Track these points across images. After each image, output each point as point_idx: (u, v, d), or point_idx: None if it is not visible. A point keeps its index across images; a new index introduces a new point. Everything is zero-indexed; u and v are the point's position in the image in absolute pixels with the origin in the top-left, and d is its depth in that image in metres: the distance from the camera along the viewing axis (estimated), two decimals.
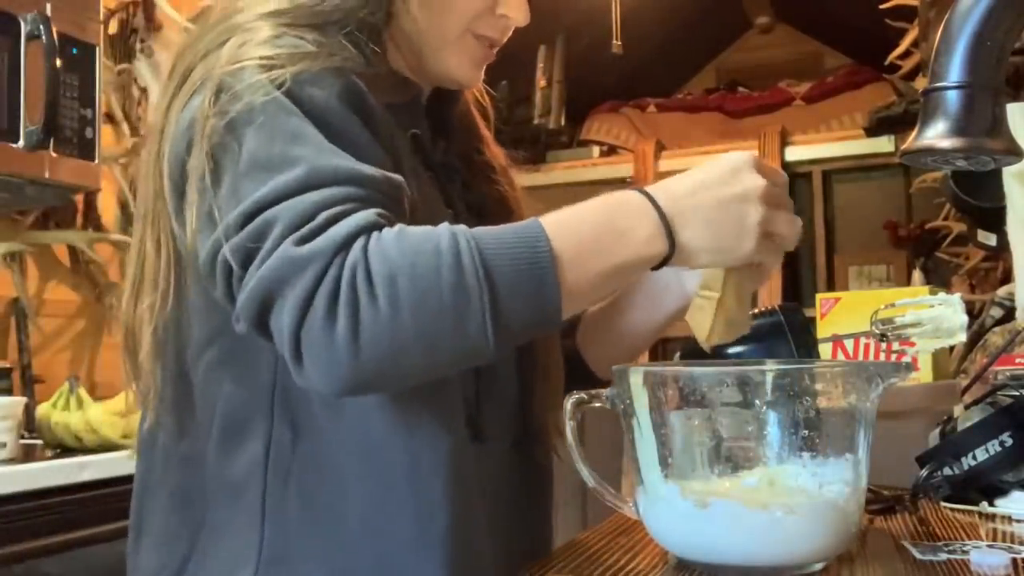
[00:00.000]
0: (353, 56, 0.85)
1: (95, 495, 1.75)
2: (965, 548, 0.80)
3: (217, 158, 0.78)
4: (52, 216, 2.44)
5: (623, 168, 3.94)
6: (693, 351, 1.01)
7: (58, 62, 2.02)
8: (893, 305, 1.16)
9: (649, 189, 0.80)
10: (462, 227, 0.75)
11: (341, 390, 0.74)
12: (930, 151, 0.85)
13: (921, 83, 3.10)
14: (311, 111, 0.79)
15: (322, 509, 0.84)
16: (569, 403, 0.82)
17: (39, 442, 1.99)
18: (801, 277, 3.83)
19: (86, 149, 2.13)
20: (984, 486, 0.98)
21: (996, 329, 1.92)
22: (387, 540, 0.83)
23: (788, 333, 1.00)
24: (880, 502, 0.98)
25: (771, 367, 0.82)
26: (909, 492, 0.99)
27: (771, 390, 0.73)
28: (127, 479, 1.79)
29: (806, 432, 0.73)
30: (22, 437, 1.87)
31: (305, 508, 0.84)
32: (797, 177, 3.81)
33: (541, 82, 4.03)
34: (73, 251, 2.51)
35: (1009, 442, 0.95)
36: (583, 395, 0.83)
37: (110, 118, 2.53)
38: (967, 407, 1.09)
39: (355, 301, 0.71)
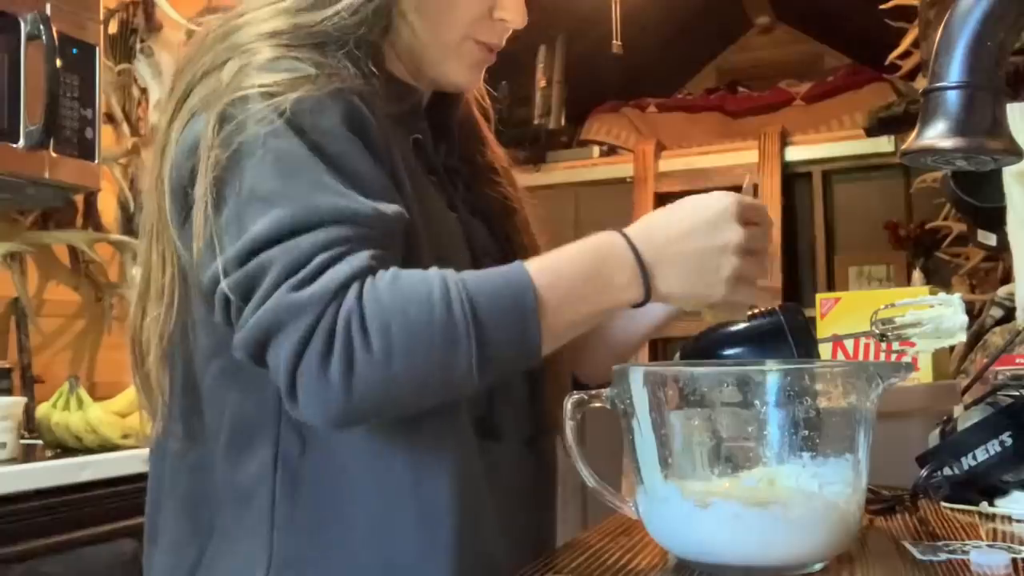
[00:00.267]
0: (352, 76, 0.86)
1: (95, 495, 1.75)
2: (965, 548, 0.80)
3: (219, 188, 0.80)
4: (52, 216, 2.44)
5: (623, 168, 3.93)
6: (693, 351, 1.02)
7: (58, 62, 2.02)
8: (893, 305, 1.16)
9: (632, 234, 0.84)
10: (451, 274, 0.78)
11: (332, 426, 0.79)
12: (930, 151, 0.85)
13: (921, 83, 3.10)
14: (312, 141, 0.81)
15: (330, 515, 0.85)
16: (569, 403, 0.82)
17: (39, 442, 1.99)
18: (801, 277, 3.82)
19: (86, 149, 2.13)
20: (984, 486, 0.98)
21: (996, 329, 1.92)
22: (394, 545, 0.84)
23: (788, 333, 0.99)
24: (880, 502, 0.98)
25: (771, 367, 0.82)
26: (909, 492, 0.99)
27: (771, 390, 0.73)
28: (127, 479, 1.81)
29: (806, 432, 0.73)
30: (22, 437, 1.87)
31: (313, 514, 0.85)
32: (797, 177, 3.81)
33: (541, 82, 4.02)
34: (73, 251, 2.51)
35: (1009, 442, 0.95)
36: (583, 395, 0.83)
37: (110, 118, 2.53)
38: (967, 407, 1.09)
39: (350, 348, 0.74)
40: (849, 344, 1.27)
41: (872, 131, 3.52)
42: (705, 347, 1.02)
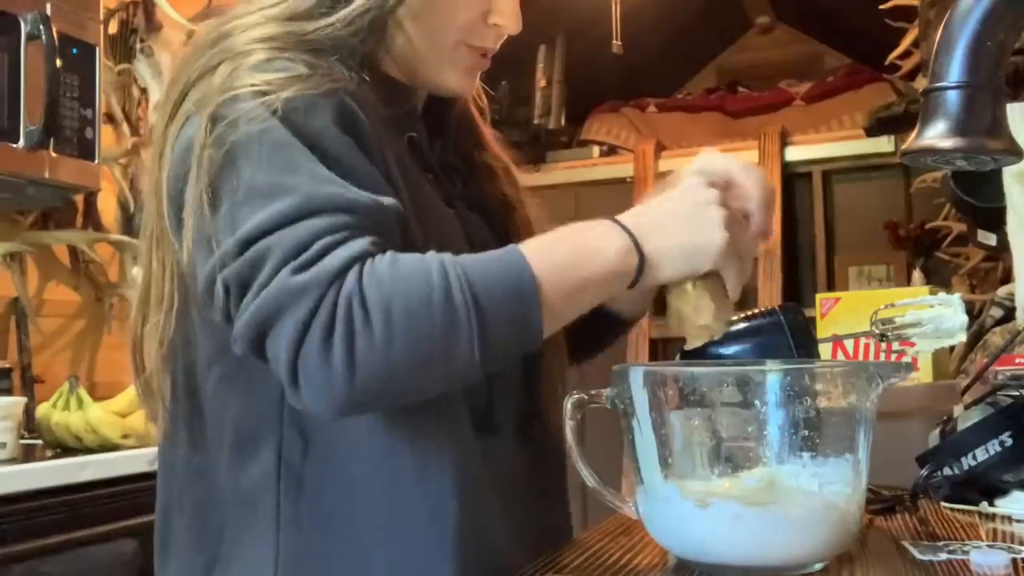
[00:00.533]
0: (345, 78, 0.86)
1: (95, 495, 1.75)
2: (965, 548, 0.80)
3: (215, 187, 0.80)
4: (52, 216, 2.44)
5: (623, 168, 3.93)
6: (693, 351, 1.01)
7: (58, 62, 2.02)
8: (893, 305, 1.16)
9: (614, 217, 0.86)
10: (449, 257, 0.78)
11: (336, 413, 0.77)
12: (930, 151, 0.85)
13: (921, 83, 3.10)
14: (306, 137, 0.80)
15: (335, 515, 0.85)
16: (569, 403, 0.83)
17: (39, 442, 1.99)
18: (801, 277, 3.82)
19: (86, 149, 2.13)
20: (984, 486, 0.98)
21: (996, 329, 1.92)
22: (399, 542, 0.85)
23: (788, 333, 0.99)
24: (880, 502, 0.98)
25: (771, 367, 0.82)
26: (909, 492, 0.99)
27: (771, 390, 0.73)
28: (127, 479, 1.81)
29: (806, 432, 0.73)
30: (22, 437, 1.88)
31: (319, 515, 0.85)
32: (797, 177, 3.81)
33: (541, 82, 4.02)
34: (73, 251, 2.51)
35: (1009, 442, 0.95)
36: (583, 395, 0.83)
37: (110, 118, 2.53)
38: (967, 407, 1.09)
39: (351, 329, 0.74)
40: (849, 344, 1.27)
41: (872, 131, 3.52)
42: (705, 347, 1.02)
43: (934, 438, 1.07)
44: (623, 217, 0.85)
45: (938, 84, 0.84)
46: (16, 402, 1.87)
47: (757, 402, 0.73)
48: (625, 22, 3.50)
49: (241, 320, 0.77)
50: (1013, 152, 0.85)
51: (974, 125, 0.83)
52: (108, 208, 2.57)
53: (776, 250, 3.49)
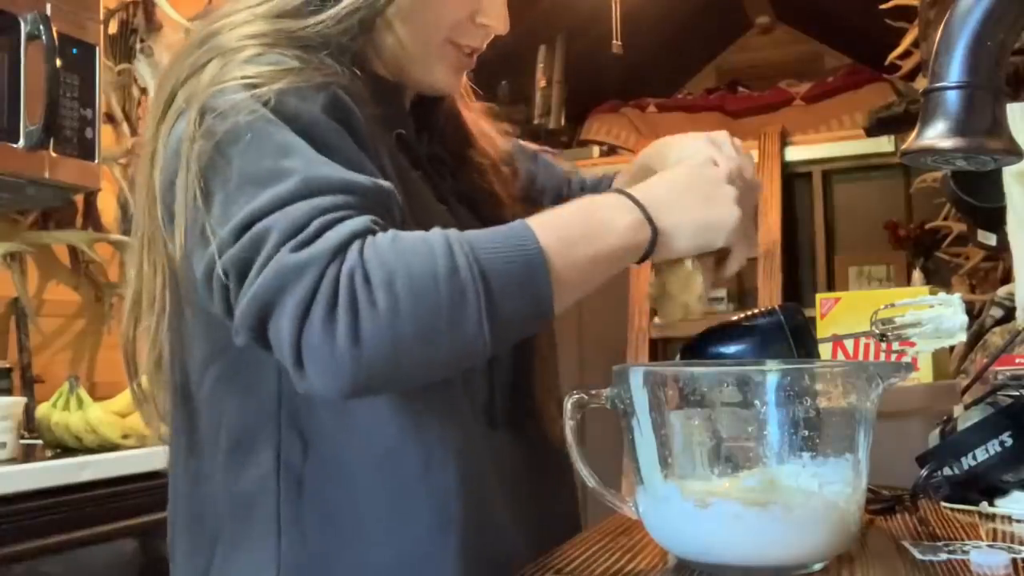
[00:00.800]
0: (337, 72, 0.85)
1: (95, 495, 1.75)
2: (965, 548, 0.80)
3: (207, 179, 0.78)
4: (52, 216, 2.44)
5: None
6: (693, 351, 1.01)
7: (58, 62, 2.02)
8: (893, 305, 1.16)
9: (624, 190, 0.86)
10: (454, 232, 0.77)
11: (344, 393, 0.74)
12: (930, 151, 0.85)
13: (921, 83, 3.10)
14: (298, 125, 0.79)
15: (338, 515, 0.85)
16: (569, 403, 0.82)
17: (39, 442, 1.99)
18: (801, 277, 3.82)
19: (86, 149, 2.13)
20: (984, 486, 0.98)
21: (996, 329, 1.92)
22: (404, 538, 0.84)
23: (788, 333, 0.99)
24: (880, 502, 0.98)
25: (771, 367, 0.82)
26: (909, 492, 0.99)
27: (771, 390, 0.73)
28: (127, 479, 1.81)
29: (806, 432, 0.73)
30: (22, 437, 1.88)
31: (321, 516, 0.85)
32: (797, 177, 3.81)
33: (541, 82, 4.02)
34: (73, 251, 2.51)
35: (1009, 442, 0.95)
36: (583, 395, 0.83)
37: (110, 118, 2.53)
38: (967, 407, 1.09)
39: (354, 304, 0.72)
40: (849, 344, 1.27)
41: (872, 131, 3.52)
42: (705, 347, 1.02)
43: (934, 438, 1.07)
44: (634, 191, 0.85)
45: (938, 84, 0.84)
46: (16, 402, 1.87)
47: (757, 402, 0.73)
48: (625, 22, 3.50)
49: (242, 305, 0.75)
50: (1013, 152, 0.85)
51: (974, 125, 0.83)
52: (108, 208, 2.57)
53: (776, 250, 3.49)
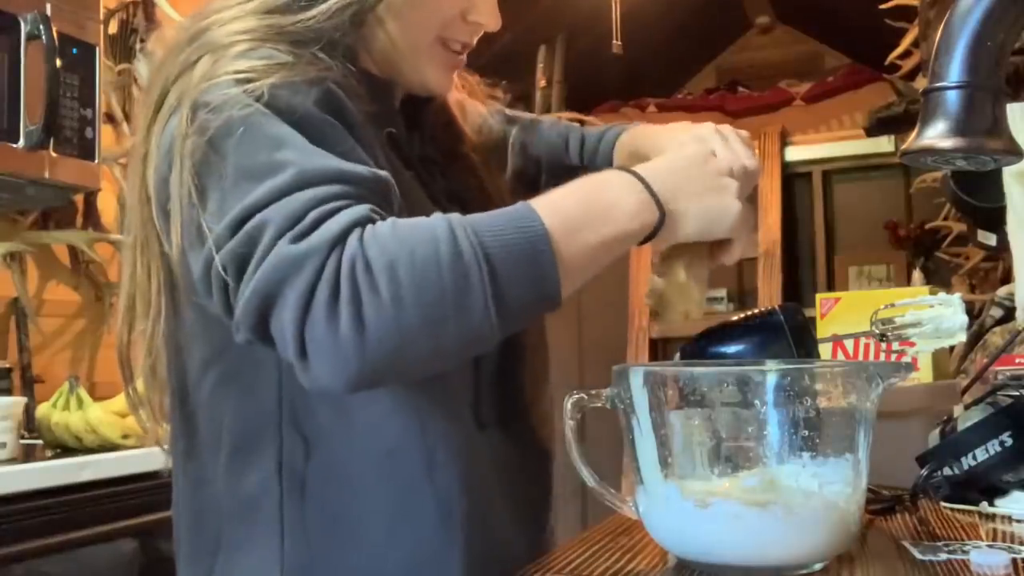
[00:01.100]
0: (330, 66, 0.84)
1: (95, 495, 1.75)
2: (965, 548, 0.80)
3: (202, 175, 0.77)
4: (52, 216, 2.44)
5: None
6: (693, 351, 1.02)
7: (58, 62, 2.02)
8: (893, 305, 1.16)
9: (632, 168, 0.84)
10: (456, 216, 0.76)
11: (350, 385, 0.73)
12: (930, 151, 0.85)
13: (921, 83, 3.10)
14: (291, 119, 0.78)
15: (341, 516, 0.84)
16: (569, 403, 0.82)
17: (39, 442, 1.99)
18: (801, 277, 3.83)
19: (86, 149, 2.13)
20: (984, 486, 0.98)
21: (996, 329, 1.92)
22: (409, 538, 0.84)
23: (788, 333, 0.99)
24: (880, 502, 0.98)
25: (771, 367, 0.82)
26: (909, 492, 0.99)
27: (771, 390, 0.73)
28: (127, 479, 1.81)
29: (806, 432, 0.73)
30: (22, 437, 1.88)
31: (324, 517, 0.84)
32: (797, 177, 3.81)
33: (541, 82, 4.02)
34: (73, 251, 2.51)
35: (1009, 442, 0.95)
36: (583, 395, 0.82)
37: (110, 118, 2.53)
38: (967, 407, 1.09)
39: (357, 293, 0.70)
40: (849, 344, 1.27)
41: (872, 131, 3.52)
42: (705, 347, 1.02)
43: (934, 438, 1.07)
44: (641, 170, 0.84)
45: (938, 84, 0.84)
46: (16, 402, 1.87)
47: (757, 402, 0.73)
48: (625, 22, 3.49)
49: (242, 300, 0.73)
50: (1013, 152, 0.85)
51: (974, 125, 0.83)
52: (108, 208, 2.57)
53: (776, 250, 3.49)
